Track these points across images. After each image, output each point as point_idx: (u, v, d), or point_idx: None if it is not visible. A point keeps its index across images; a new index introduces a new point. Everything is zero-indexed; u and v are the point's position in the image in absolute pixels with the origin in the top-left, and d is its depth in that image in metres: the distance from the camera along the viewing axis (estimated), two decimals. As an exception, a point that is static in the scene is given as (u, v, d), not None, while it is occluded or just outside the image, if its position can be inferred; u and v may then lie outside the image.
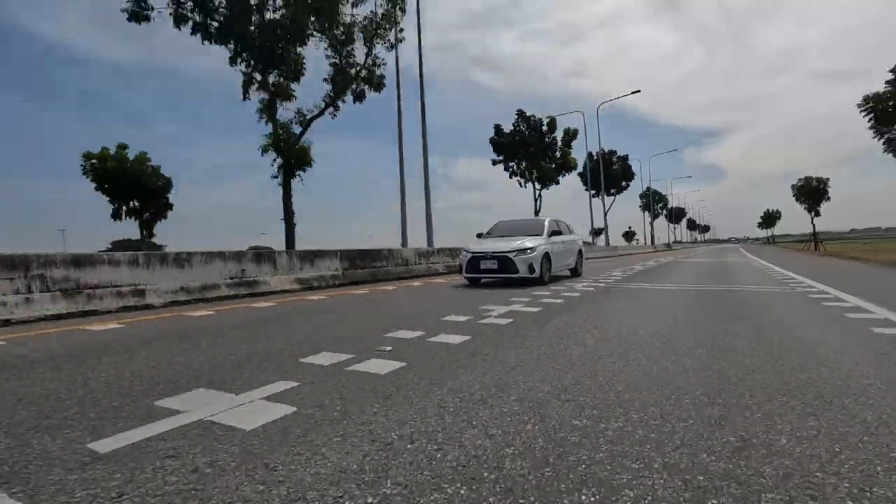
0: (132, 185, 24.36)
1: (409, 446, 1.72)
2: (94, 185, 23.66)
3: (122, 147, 24.95)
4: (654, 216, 72.77)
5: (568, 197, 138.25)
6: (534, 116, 27.97)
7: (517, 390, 2.35)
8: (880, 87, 16.03)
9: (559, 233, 10.49)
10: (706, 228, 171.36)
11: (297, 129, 18.13)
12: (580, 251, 11.59)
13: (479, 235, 10.77)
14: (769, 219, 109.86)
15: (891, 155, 15.99)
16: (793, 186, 69.18)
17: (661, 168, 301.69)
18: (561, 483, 1.43)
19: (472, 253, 9.32)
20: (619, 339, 3.58)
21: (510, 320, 4.55)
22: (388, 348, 3.36)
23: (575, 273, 11.22)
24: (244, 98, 17.66)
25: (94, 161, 24.01)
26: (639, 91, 25.19)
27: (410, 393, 2.34)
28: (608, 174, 39.14)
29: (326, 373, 2.75)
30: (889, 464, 1.50)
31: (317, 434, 1.84)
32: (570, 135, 32.67)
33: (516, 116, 27.05)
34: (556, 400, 2.19)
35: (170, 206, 26.20)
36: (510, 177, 26.79)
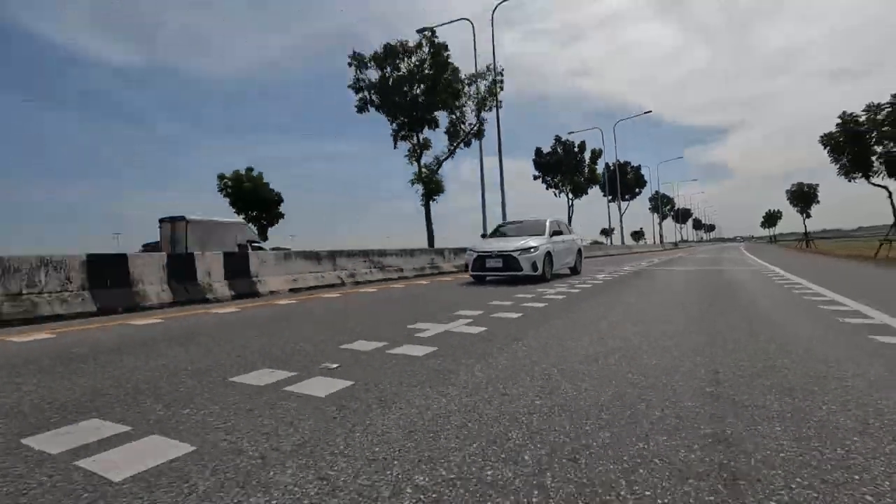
0: (255, 199, 30.54)
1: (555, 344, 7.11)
2: (227, 200, 29.97)
3: (250, 170, 31.36)
4: (663, 217, 78.88)
5: (584, 200, 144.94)
6: (568, 140, 34.10)
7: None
8: (881, 84, 20.91)
9: (560, 233, 10.99)
10: (711, 228, 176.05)
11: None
12: (579, 250, 12.14)
13: (484, 236, 11.75)
14: (771, 218, 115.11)
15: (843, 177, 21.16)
16: (787, 191, 75.91)
17: (666, 168, 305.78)
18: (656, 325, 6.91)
19: (478, 252, 9.91)
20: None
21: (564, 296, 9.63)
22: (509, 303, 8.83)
23: (574, 271, 11.72)
24: (395, 146, 25.74)
25: (227, 181, 30.28)
26: (650, 111, 30.92)
27: (552, 316, 7.81)
28: (623, 182, 45.78)
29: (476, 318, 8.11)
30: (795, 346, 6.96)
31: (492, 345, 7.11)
32: (596, 154, 39.98)
33: (554, 140, 33.65)
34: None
35: (281, 215, 32.33)
36: (546, 188, 33.00)
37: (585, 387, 2.39)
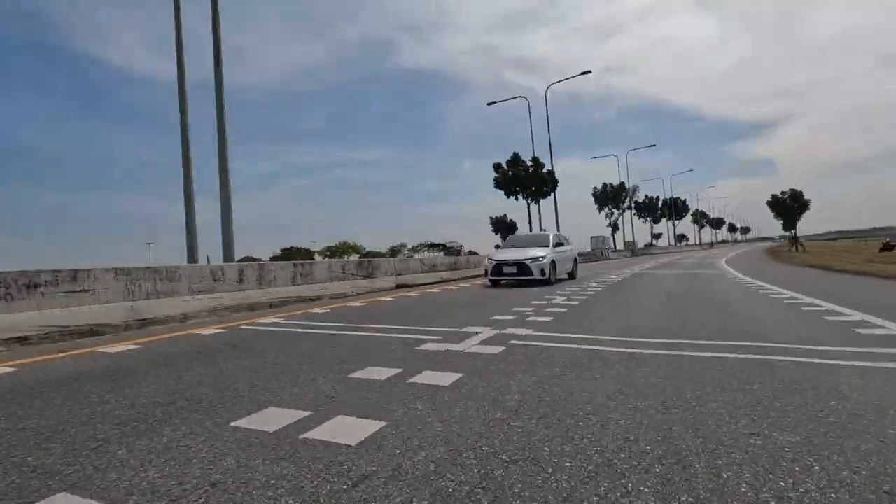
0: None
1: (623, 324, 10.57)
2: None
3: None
4: (701, 227, 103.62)
5: (577, 208, 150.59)
6: (524, 160, 39.00)
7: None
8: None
9: (561, 244, 12.68)
10: (747, 230, 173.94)
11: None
12: (576, 259, 13.88)
13: (497, 247, 13.35)
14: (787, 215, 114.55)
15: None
16: (768, 203, 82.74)
17: (701, 165, 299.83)
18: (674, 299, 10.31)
19: (496, 261, 11.64)
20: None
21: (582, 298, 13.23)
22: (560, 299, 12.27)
23: (571, 276, 13.19)
24: (517, 200, 40.71)
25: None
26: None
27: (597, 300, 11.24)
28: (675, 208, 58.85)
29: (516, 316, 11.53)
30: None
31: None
32: (626, 190, 64.32)
33: (510, 158, 39.14)
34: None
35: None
36: (507, 197, 39.96)
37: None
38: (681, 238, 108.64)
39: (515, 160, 40.30)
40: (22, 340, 5.05)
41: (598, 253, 41.32)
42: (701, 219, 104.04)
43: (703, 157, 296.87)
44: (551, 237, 12.60)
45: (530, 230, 35.37)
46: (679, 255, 38.75)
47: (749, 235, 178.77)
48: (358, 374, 3.19)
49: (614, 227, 68.06)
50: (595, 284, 10.93)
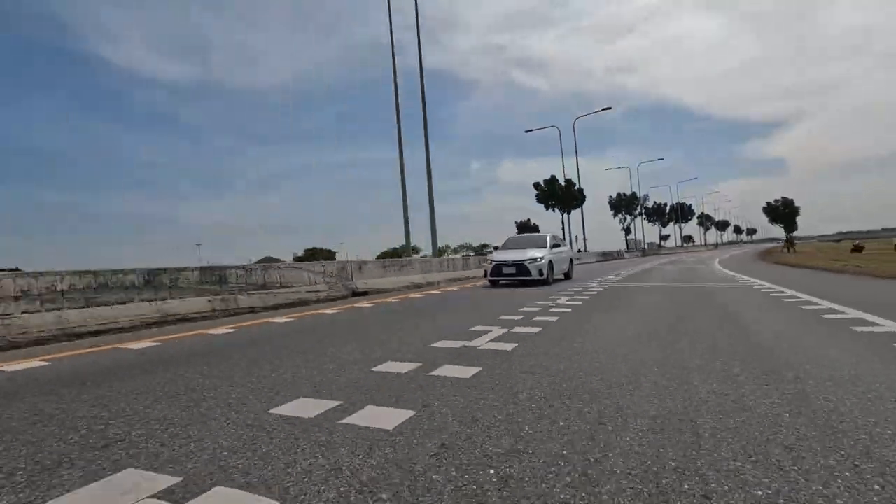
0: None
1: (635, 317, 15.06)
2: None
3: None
4: (706, 229, 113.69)
5: (592, 215, 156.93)
6: (559, 181, 49.57)
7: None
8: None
9: (558, 246, 13.07)
10: (753, 231, 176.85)
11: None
12: (571, 259, 14.30)
13: (496, 248, 13.58)
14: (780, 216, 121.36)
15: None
16: (763, 209, 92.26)
17: (711, 165, 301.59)
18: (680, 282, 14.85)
19: (496, 261, 11.99)
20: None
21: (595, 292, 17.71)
22: (596, 285, 16.80)
23: (567, 276, 13.62)
24: (553, 211, 52.44)
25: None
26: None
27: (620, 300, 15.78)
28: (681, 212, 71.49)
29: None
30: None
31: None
32: (638, 198, 75.74)
33: (548, 179, 50.80)
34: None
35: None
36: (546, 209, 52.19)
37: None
38: (688, 239, 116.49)
39: (553, 181, 51.05)
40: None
41: (614, 255, 48.68)
42: (706, 221, 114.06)
43: (712, 157, 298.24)
44: (549, 238, 13.14)
45: (563, 236, 41.05)
46: (685, 255, 43.55)
47: (756, 236, 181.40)
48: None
49: (627, 231, 78.96)
50: (623, 272, 15.43)
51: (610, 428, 2.13)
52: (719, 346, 3.76)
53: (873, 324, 4.52)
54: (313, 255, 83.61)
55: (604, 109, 33.05)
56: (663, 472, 1.69)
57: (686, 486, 1.59)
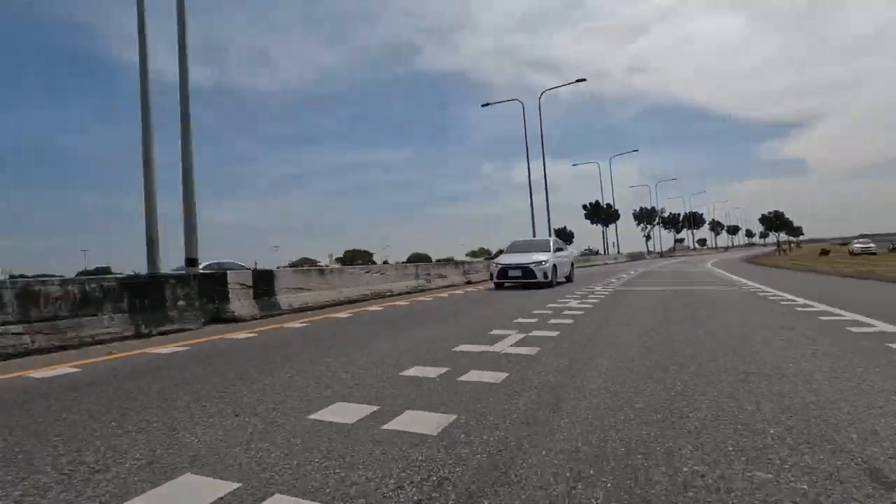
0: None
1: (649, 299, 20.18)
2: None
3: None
4: (717, 234, 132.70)
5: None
6: (605, 204, 64.35)
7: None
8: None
9: (561, 249, 13.42)
10: (765, 234, 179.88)
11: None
12: (572, 263, 14.59)
13: (500, 252, 13.71)
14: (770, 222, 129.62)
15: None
16: (760, 220, 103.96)
17: (729, 166, 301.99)
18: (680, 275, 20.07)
19: (502, 265, 12.38)
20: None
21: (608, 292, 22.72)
22: (615, 280, 22.02)
23: (569, 279, 13.84)
24: (593, 224, 72.14)
25: None
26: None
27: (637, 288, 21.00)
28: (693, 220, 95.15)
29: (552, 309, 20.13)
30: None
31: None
32: (654, 211, 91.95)
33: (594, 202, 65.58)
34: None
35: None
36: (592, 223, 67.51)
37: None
38: (702, 242, 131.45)
39: (597, 203, 70.73)
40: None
41: (639, 256, 65.67)
42: (717, 227, 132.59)
43: (730, 156, 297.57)
44: (552, 242, 13.60)
45: (604, 249, 50.44)
46: (695, 256, 49.41)
47: (768, 240, 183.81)
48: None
49: (648, 237, 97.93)
50: (641, 268, 20.58)
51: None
52: (681, 286, 9.02)
53: (766, 292, 8.95)
54: (353, 256, 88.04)
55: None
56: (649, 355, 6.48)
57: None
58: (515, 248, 13.59)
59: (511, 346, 4.31)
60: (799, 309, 6.31)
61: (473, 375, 3.26)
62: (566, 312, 6.67)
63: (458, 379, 3.18)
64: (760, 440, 1.99)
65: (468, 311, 7.52)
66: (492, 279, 12.86)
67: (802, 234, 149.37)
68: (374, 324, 6.44)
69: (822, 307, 6.36)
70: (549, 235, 22.88)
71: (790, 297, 7.94)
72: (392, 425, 2.32)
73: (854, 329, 4.59)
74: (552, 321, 5.84)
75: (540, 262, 11.92)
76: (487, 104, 29.97)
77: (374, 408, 2.60)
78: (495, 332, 5.13)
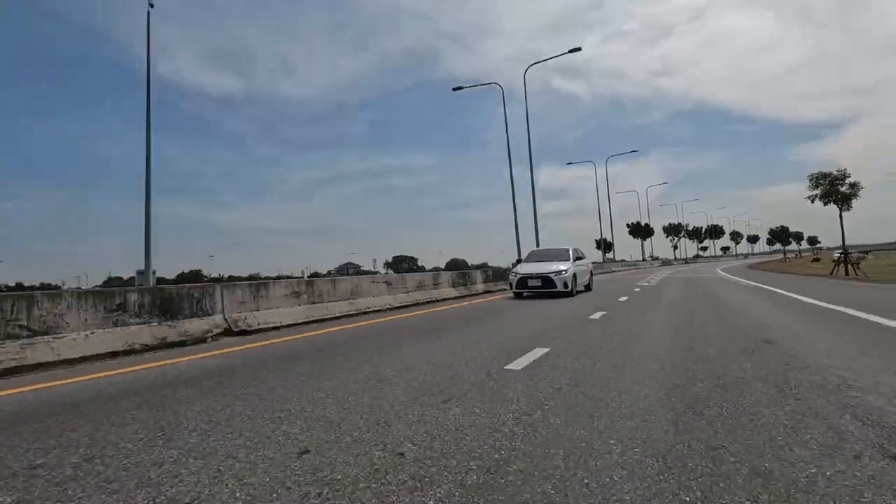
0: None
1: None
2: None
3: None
4: (737, 243, 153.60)
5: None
6: (642, 224, 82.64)
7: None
8: None
9: (580, 258, 13.73)
10: (787, 242, 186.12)
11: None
12: (591, 272, 14.91)
13: (518, 261, 14.15)
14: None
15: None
16: (769, 233, 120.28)
17: (758, 168, 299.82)
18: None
19: (521, 274, 12.51)
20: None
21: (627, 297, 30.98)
22: (641, 287, 32.17)
23: (588, 288, 14.01)
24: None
25: None
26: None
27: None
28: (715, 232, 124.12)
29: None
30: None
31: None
32: (680, 226, 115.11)
33: (636, 222, 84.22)
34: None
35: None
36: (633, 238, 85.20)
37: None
38: (725, 249, 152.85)
39: (638, 223, 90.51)
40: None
41: (669, 261, 75.98)
42: (737, 237, 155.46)
43: (759, 159, 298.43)
44: (571, 251, 13.55)
45: (642, 258, 59.97)
46: (712, 262, 58.38)
47: (790, 247, 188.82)
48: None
49: (675, 247, 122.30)
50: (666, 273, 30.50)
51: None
52: (692, 277, 19.29)
53: (747, 281, 16.10)
54: (400, 262, 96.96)
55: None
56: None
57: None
58: (534, 257, 14.06)
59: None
60: (743, 283, 15.17)
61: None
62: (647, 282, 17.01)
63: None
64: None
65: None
66: (511, 288, 13.04)
67: (819, 243, 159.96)
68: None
69: (746, 281, 16.03)
70: (536, 243, 23.79)
71: (743, 281, 17.43)
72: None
73: (744, 282, 14.86)
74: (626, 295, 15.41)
75: (560, 272, 12.15)
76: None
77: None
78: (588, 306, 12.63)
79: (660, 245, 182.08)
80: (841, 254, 19.06)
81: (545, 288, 11.93)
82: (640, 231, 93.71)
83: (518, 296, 12.58)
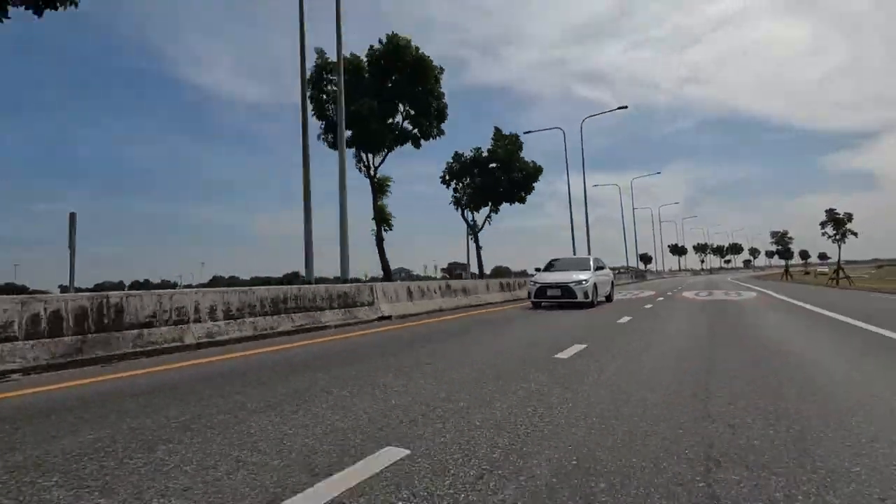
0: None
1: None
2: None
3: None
4: (755, 257, 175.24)
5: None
6: (678, 245, 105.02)
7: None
8: None
9: (601, 268, 13.40)
10: (806, 255, 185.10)
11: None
12: (612, 282, 14.39)
13: (538, 270, 13.70)
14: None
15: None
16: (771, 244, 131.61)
17: (791, 178, 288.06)
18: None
19: (540, 283, 12.04)
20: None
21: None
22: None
23: (609, 299, 13.44)
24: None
25: None
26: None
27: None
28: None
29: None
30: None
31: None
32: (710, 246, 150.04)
33: (675, 244, 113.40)
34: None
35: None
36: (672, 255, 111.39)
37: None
38: (747, 262, 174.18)
39: (675, 245, 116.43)
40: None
41: (697, 273, 79.43)
42: (755, 252, 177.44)
43: (792, 169, 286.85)
44: (592, 261, 13.29)
45: (679, 267, 70.01)
46: (730, 274, 61.78)
47: (809, 260, 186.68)
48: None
49: (702, 261, 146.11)
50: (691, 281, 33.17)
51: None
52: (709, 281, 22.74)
53: (748, 286, 23.90)
54: (454, 268, 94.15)
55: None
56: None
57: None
58: (554, 266, 13.61)
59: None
60: (739, 283, 23.99)
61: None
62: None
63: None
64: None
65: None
66: (529, 297, 12.58)
67: (828, 258, 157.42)
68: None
69: (736, 281, 23.51)
70: (588, 253, 25.21)
71: (745, 284, 23.82)
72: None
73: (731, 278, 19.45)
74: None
75: (580, 281, 11.67)
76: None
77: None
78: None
79: (692, 259, 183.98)
80: (835, 270, 24.96)
81: (565, 298, 11.55)
82: (677, 250, 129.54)
83: (536, 306, 12.12)
